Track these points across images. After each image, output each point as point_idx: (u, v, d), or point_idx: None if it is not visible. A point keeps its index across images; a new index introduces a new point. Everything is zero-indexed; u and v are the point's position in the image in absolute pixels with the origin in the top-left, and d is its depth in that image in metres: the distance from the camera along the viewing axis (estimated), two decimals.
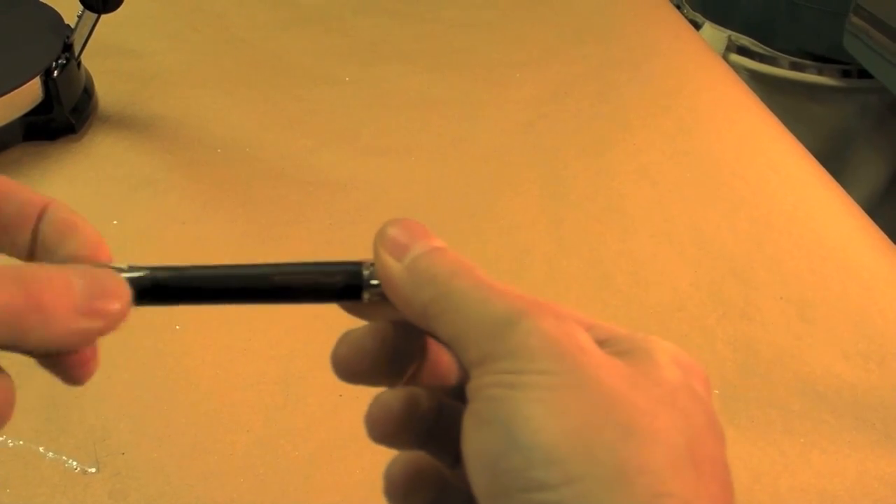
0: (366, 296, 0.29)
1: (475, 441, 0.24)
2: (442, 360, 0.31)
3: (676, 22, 0.92)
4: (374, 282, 0.29)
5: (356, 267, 0.29)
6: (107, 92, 0.70)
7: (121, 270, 0.28)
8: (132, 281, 0.27)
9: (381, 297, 0.29)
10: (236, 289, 0.29)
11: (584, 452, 0.22)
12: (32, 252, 0.28)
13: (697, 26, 1.09)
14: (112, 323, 0.26)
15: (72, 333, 0.25)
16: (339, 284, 0.29)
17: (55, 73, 0.63)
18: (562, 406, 0.23)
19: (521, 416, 0.23)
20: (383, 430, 0.29)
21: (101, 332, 0.26)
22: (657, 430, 0.24)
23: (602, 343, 0.27)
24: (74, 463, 0.42)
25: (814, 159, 0.71)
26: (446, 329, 0.26)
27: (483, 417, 0.24)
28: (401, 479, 0.30)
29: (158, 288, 0.28)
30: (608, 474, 0.22)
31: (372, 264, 0.29)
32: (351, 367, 0.29)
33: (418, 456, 0.30)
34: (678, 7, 1.07)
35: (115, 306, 0.26)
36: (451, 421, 0.29)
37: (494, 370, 0.24)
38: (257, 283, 0.29)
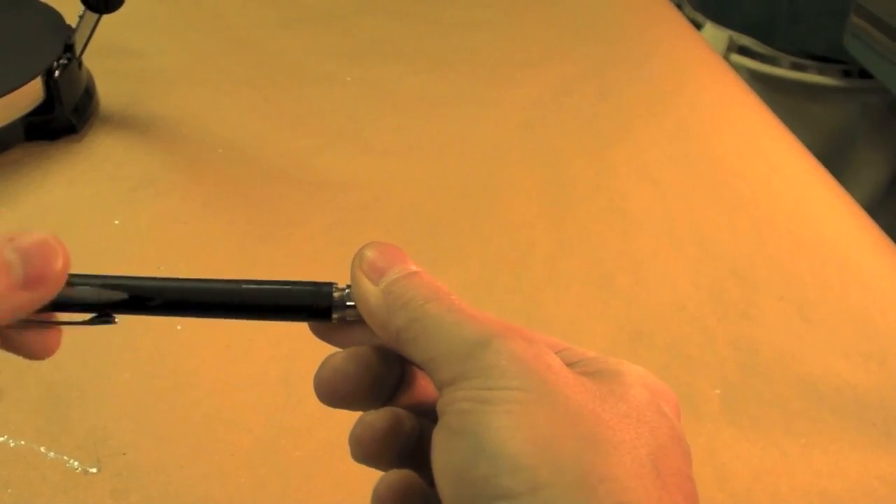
0: (335, 316, 0.30)
1: (444, 452, 0.25)
2: (421, 383, 0.31)
3: (677, 22, 0.92)
4: (350, 303, 0.29)
5: (327, 288, 0.30)
6: (108, 92, 0.70)
7: (92, 284, 0.28)
8: (104, 293, 0.28)
9: (358, 319, 0.29)
10: (206, 303, 0.29)
11: (549, 462, 0.23)
12: None
13: (698, 26, 1.09)
14: (53, 288, 0.27)
15: (16, 308, 0.26)
16: (309, 304, 0.30)
17: (56, 73, 0.63)
18: (529, 418, 0.24)
19: (490, 427, 0.24)
20: (367, 450, 0.30)
21: (45, 298, 0.27)
22: (621, 441, 0.24)
23: (573, 365, 0.28)
24: (76, 463, 0.42)
25: (814, 159, 0.71)
26: (420, 352, 0.27)
27: (452, 429, 0.25)
28: (388, 497, 0.30)
29: (132, 300, 0.29)
30: (572, 482, 0.23)
31: (348, 286, 0.30)
32: (333, 390, 0.30)
33: (406, 475, 0.30)
34: (679, 7, 1.07)
35: (56, 269, 0.27)
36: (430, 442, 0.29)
37: (465, 387, 0.25)
38: (228, 299, 0.30)
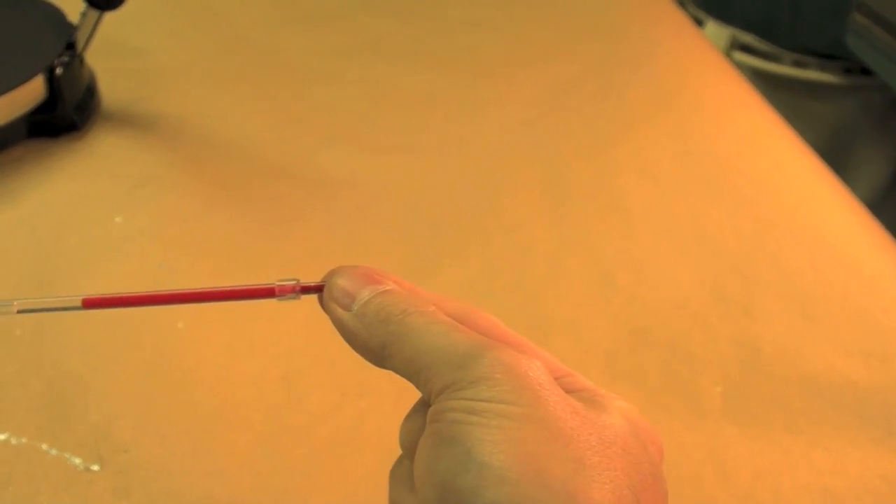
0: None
1: (431, 459, 0.25)
2: None
3: (679, 19, 0.91)
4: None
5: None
6: (110, 90, 0.70)
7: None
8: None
9: None
10: None
11: (536, 478, 0.23)
12: None
13: (700, 23, 1.09)
14: None
15: None
16: None
17: (58, 70, 0.63)
18: (520, 434, 0.24)
19: (480, 438, 0.24)
20: None
21: None
22: (606, 469, 0.25)
23: (568, 391, 0.28)
24: (77, 460, 0.43)
25: (816, 156, 0.71)
26: (408, 364, 0.27)
27: (442, 437, 0.25)
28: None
29: None
30: (556, 502, 0.23)
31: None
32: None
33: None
34: (680, 4, 1.06)
35: None
36: None
37: (458, 397, 0.25)
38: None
